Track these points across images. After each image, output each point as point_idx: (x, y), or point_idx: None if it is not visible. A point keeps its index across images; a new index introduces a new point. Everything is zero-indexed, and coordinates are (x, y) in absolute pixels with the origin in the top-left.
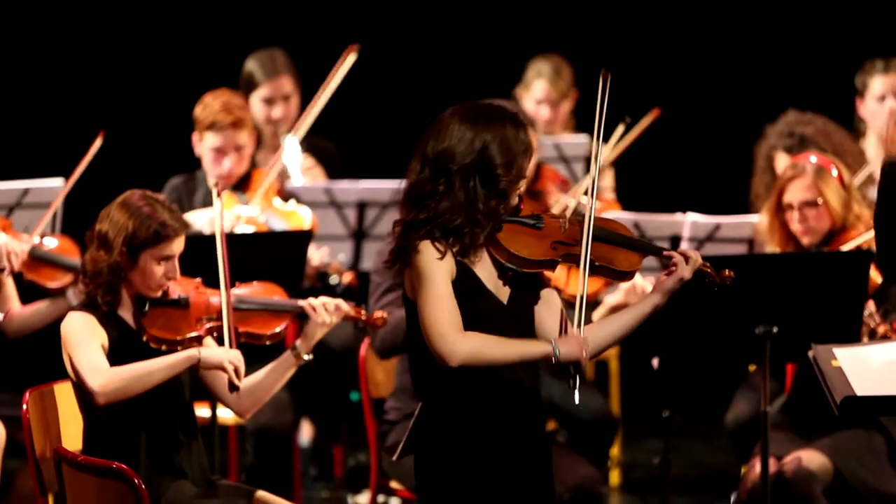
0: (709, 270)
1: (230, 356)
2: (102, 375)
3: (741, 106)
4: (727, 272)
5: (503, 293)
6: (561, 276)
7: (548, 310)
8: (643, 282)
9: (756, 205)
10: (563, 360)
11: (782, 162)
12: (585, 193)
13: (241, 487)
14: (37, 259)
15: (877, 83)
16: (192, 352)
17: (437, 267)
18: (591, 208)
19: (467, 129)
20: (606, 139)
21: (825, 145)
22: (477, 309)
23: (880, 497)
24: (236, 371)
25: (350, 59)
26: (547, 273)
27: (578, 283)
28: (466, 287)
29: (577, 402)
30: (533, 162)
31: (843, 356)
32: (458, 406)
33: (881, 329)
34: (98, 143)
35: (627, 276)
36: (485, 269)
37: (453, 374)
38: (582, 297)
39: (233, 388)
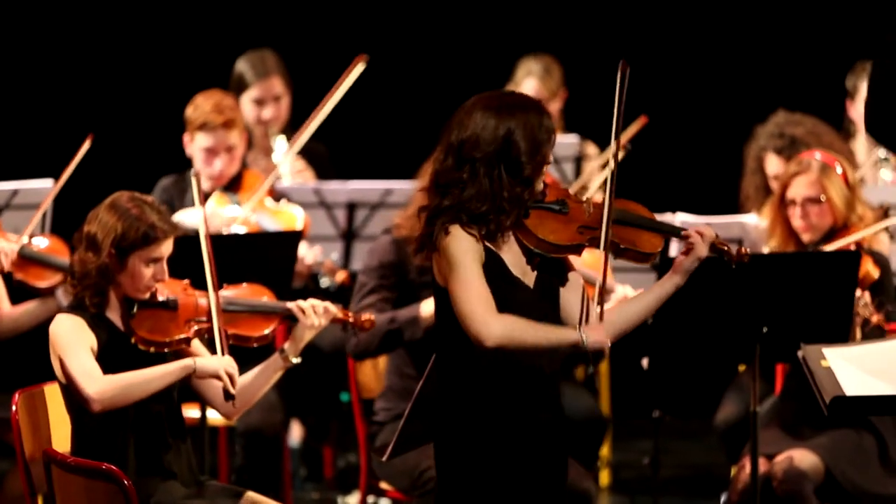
0: (726, 248)
1: (225, 364)
2: (98, 382)
3: (731, 106)
4: (744, 249)
5: (530, 278)
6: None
7: (573, 293)
8: (630, 291)
9: (746, 206)
10: (589, 347)
11: (772, 163)
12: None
13: (231, 488)
14: (26, 259)
15: (866, 87)
16: (187, 361)
17: (466, 250)
18: (610, 192)
19: (491, 117)
20: (618, 134)
21: (815, 146)
22: (504, 295)
23: (870, 497)
24: (231, 379)
25: (358, 69)
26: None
27: (599, 270)
28: (494, 273)
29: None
30: None
31: (832, 356)
32: (481, 397)
33: (874, 319)
34: (86, 145)
35: (651, 257)
36: (511, 255)
37: (479, 363)
38: (602, 286)
39: (228, 396)
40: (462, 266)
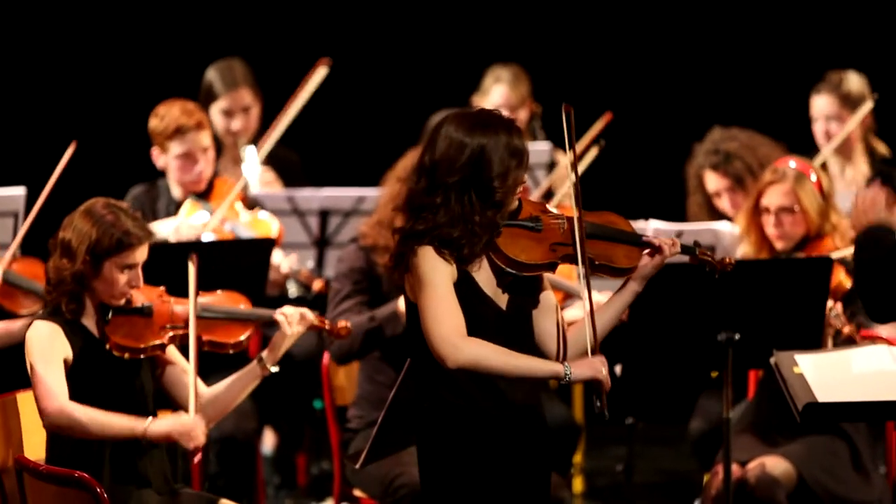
0: (709, 259)
1: (181, 426)
2: (56, 403)
3: (705, 113)
4: (728, 259)
5: (502, 299)
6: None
7: (546, 315)
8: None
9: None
10: (574, 381)
11: (711, 180)
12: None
13: (205, 496)
14: (9, 285)
15: (812, 104)
16: (137, 426)
17: (438, 269)
18: (578, 216)
19: (462, 140)
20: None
21: (750, 160)
22: (476, 315)
23: (842, 503)
24: (189, 439)
25: (320, 73)
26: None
27: (584, 304)
28: (466, 293)
29: (606, 418)
30: None
31: (804, 363)
32: (457, 411)
33: (846, 330)
34: (70, 151)
35: (628, 272)
36: (484, 275)
37: (454, 378)
38: (591, 316)
39: (193, 453)
40: (432, 284)
